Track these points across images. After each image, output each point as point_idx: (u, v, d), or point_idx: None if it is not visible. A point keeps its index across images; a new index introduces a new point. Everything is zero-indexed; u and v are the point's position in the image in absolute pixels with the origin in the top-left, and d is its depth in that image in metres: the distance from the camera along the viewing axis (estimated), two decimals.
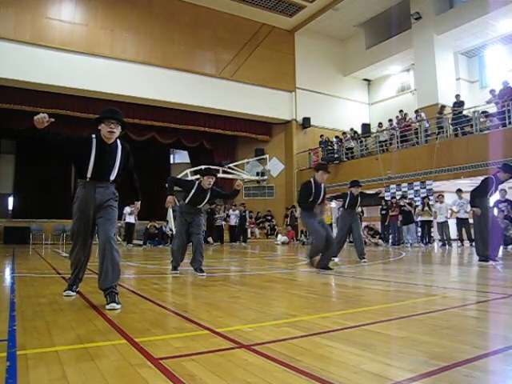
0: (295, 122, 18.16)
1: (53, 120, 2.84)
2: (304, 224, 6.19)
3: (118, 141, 3.24)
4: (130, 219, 13.82)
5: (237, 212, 15.94)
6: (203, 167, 14.29)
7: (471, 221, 8.08)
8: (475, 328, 2.34)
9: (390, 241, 13.13)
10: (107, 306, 2.88)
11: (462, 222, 11.85)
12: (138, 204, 3.63)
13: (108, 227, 3.09)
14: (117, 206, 3.24)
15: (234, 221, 15.88)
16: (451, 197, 13.03)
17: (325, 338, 2.09)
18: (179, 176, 15.18)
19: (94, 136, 3.14)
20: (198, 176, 4.71)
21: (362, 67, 19.23)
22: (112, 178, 3.18)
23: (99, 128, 3.13)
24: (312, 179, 5.74)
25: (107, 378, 1.53)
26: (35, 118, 2.77)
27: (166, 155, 21.86)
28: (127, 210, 13.45)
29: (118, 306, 2.89)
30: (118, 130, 3.13)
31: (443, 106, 13.87)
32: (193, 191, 5.03)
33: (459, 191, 11.84)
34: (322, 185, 5.78)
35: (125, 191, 3.58)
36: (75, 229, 3.22)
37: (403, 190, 13.62)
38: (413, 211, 12.65)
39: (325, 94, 19.13)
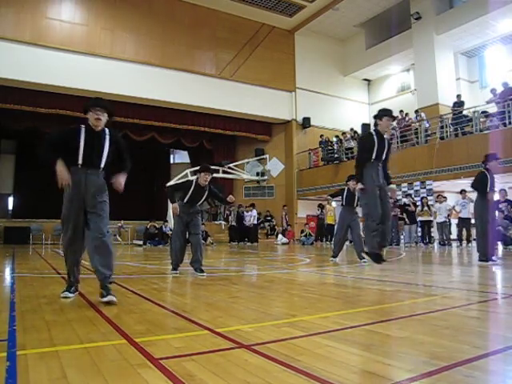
0: (295, 121, 18.13)
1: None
2: (362, 192, 4.62)
3: (107, 129, 3.33)
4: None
5: (254, 213, 16.08)
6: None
7: (473, 221, 8.06)
8: (475, 328, 2.33)
9: (402, 241, 12.96)
10: (105, 299, 2.99)
11: (463, 222, 11.82)
12: (124, 177, 3.33)
13: (100, 223, 3.18)
14: (108, 200, 3.30)
15: (248, 221, 16.05)
16: (451, 197, 13.02)
17: (325, 338, 2.09)
18: (179, 176, 15.21)
19: (82, 126, 3.26)
20: (196, 176, 4.71)
21: (361, 67, 19.21)
22: (102, 164, 3.25)
23: (87, 117, 3.27)
24: (372, 131, 4.57)
25: (107, 378, 1.53)
26: (60, 177, 3.04)
27: (166, 155, 21.85)
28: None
29: (115, 299, 3.03)
30: (104, 117, 3.25)
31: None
32: (191, 190, 5.13)
33: (463, 191, 11.71)
34: (386, 138, 4.50)
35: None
36: (65, 214, 3.26)
37: (403, 189, 13.61)
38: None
39: (325, 94, 19.11)
